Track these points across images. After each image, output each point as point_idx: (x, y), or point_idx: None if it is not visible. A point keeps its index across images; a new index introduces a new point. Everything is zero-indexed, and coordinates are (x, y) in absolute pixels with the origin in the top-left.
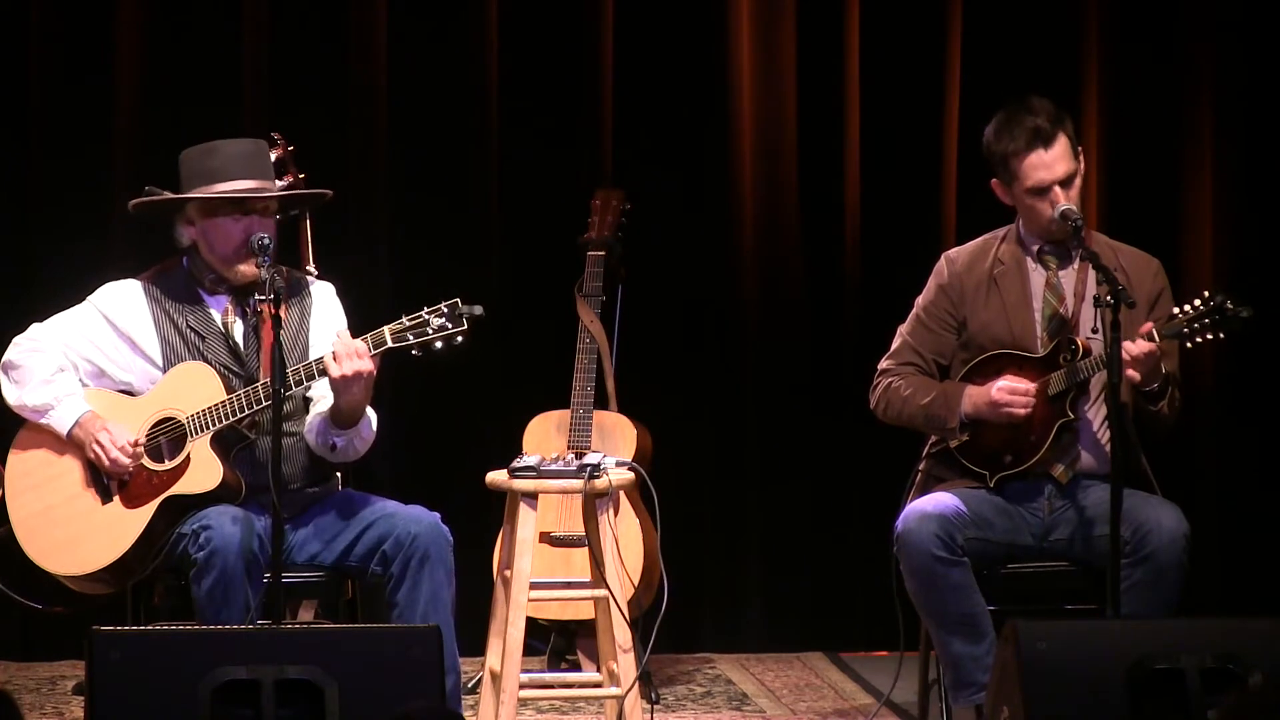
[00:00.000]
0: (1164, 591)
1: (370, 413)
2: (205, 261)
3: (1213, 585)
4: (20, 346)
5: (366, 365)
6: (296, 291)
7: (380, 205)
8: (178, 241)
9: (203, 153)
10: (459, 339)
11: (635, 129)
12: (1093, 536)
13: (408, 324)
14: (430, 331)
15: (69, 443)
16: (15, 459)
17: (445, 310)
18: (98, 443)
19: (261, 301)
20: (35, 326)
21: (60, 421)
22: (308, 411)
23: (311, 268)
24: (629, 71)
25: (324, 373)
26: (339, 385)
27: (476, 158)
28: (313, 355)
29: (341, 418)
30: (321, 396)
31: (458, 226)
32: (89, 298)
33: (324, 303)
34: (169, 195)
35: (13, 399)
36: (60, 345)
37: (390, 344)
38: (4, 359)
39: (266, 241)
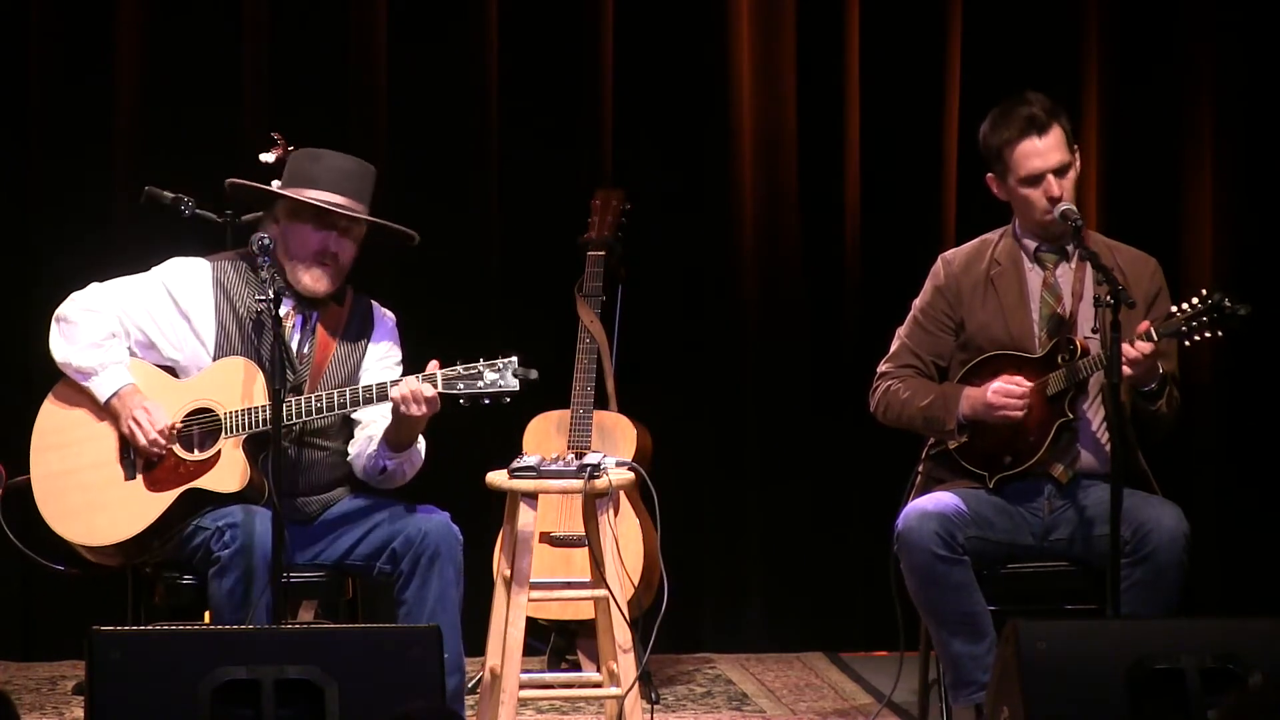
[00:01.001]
0: (1164, 591)
1: (420, 440)
2: (278, 262)
3: (1213, 585)
4: (77, 303)
5: (434, 408)
6: (358, 309)
7: (380, 205)
8: (257, 234)
9: (309, 156)
10: (507, 399)
11: (635, 129)
12: (1093, 536)
13: (461, 371)
14: (481, 386)
15: (105, 410)
16: (49, 411)
17: (501, 365)
18: (135, 419)
19: (260, 301)
20: (95, 286)
21: (101, 388)
22: (347, 430)
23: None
24: (629, 71)
25: (378, 400)
26: (401, 416)
27: (476, 158)
28: (363, 380)
29: (399, 439)
30: (371, 420)
31: (458, 226)
32: (155, 269)
33: (383, 332)
34: (260, 186)
35: (60, 355)
36: (117, 311)
37: (439, 391)
38: (59, 311)
39: (267, 242)
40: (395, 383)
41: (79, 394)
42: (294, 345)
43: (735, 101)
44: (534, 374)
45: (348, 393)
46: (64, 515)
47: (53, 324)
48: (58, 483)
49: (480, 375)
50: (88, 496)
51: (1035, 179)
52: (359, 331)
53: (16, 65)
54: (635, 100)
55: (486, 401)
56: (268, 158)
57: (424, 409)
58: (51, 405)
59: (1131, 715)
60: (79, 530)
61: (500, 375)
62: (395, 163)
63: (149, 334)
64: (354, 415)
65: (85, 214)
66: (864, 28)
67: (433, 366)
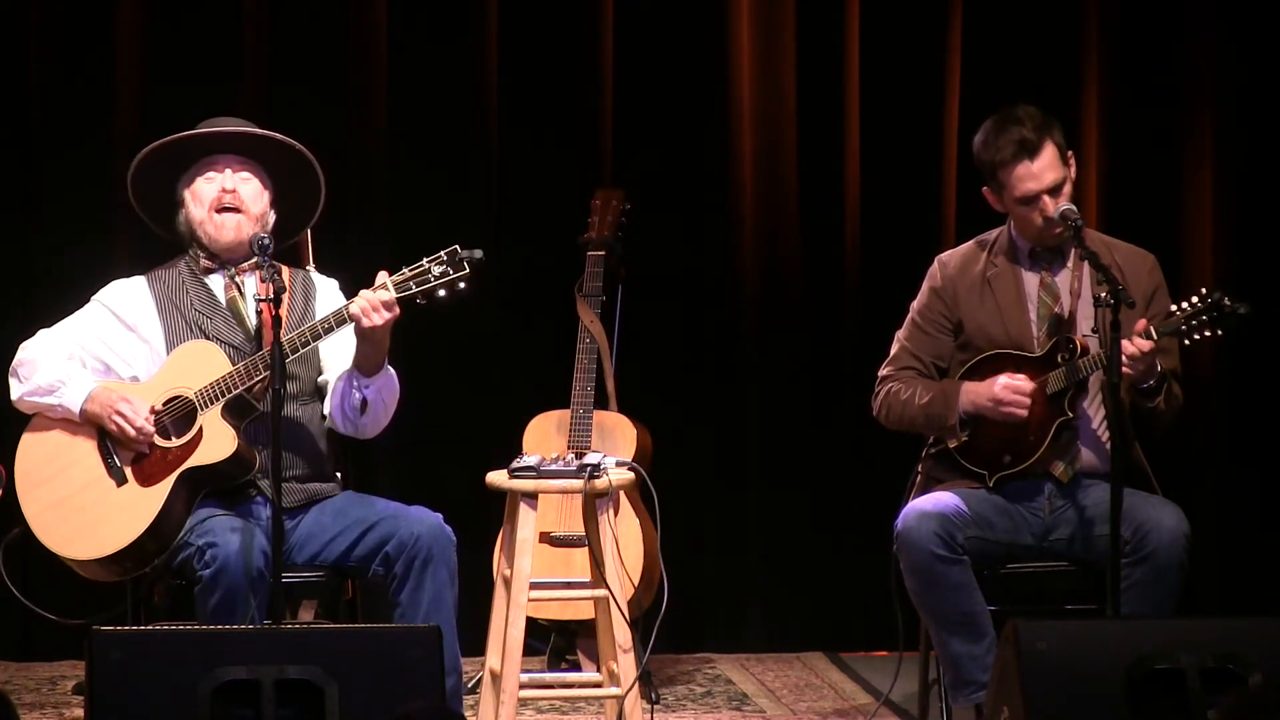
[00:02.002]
0: (1164, 591)
1: (390, 369)
2: (198, 240)
3: (1213, 585)
4: (28, 348)
5: (394, 311)
6: (298, 278)
7: (380, 205)
8: (179, 233)
9: (202, 127)
10: (461, 285)
11: (635, 129)
12: (1093, 536)
13: (409, 274)
14: (432, 279)
15: (79, 429)
16: (26, 453)
17: (445, 257)
18: (118, 412)
19: (261, 302)
20: (43, 331)
21: (72, 399)
22: (319, 395)
23: (311, 268)
24: (629, 71)
25: (338, 325)
26: (366, 331)
27: (476, 158)
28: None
29: (367, 361)
30: (339, 378)
31: (457, 226)
32: (94, 296)
33: (327, 292)
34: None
35: (24, 390)
36: (70, 344)
37: (394, 295)
38: (12, 364)
39: (266, 242)
40: (350, 303)
41: (50, 426)
42: (244, 312)
43: (735, 101)
44: (479, 254)
45: (307, 330)
46: (69, 539)
47: (9, 377)
48: (54, 513)
49: (427, 270)
50: (86, 516)
51: (1030, 200)
52: (304, 294)
53: (16, 65)
54: (635, 100)
55: (442, 294)
56: None
57: (385, 315)
58: (27, 445)
59: (1131, 715)
60: (87, 547)
61: (446, 265)
62: (395, 162)
63: (103, 358)
64: (321, 379)
65: (85, 214)
66: (864, 28)
67: (381, 277)
